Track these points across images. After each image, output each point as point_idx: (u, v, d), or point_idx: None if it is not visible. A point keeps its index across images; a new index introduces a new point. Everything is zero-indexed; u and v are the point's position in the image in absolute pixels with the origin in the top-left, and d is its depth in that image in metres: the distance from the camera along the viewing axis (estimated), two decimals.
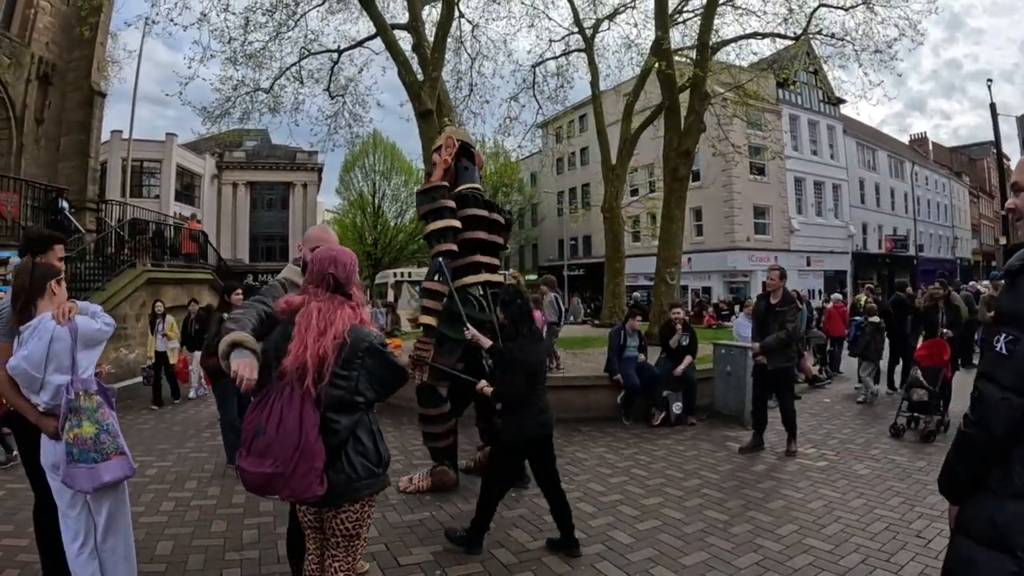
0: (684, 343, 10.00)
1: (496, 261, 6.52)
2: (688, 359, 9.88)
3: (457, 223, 6.02)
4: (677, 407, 9.59)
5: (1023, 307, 1.86)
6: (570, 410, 9.78)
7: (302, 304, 2.82)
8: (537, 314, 10.56)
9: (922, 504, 5.69)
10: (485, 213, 6.34)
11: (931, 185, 53.71)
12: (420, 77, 15.58)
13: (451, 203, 6.05)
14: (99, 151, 20.38)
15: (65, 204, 16.44)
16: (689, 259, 36.28)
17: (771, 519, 5.41)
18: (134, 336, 14.35)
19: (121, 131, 32.06)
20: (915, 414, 8.78)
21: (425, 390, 6.25)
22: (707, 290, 36.17)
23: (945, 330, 9.41)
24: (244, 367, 2.73)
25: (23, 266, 3.47)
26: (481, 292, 6.23)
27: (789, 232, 37.05)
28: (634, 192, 36.11)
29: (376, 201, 51.27)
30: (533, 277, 46.31)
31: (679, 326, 10.17)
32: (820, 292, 34.27)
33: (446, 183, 6.17)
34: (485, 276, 6.27)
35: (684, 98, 16.19)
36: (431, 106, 14.98)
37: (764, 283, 8.27)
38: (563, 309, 12.62)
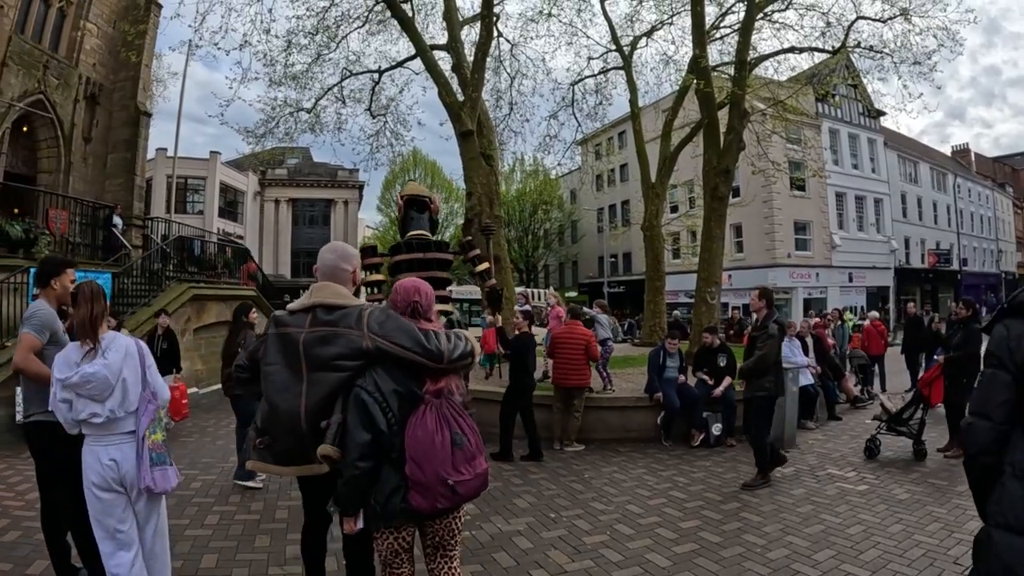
0: (722, 364, 9.95)
1: (440, 292, 7.31)
2: (727, 380, 9.81)
3: (379, 277, 7.82)
4: (717, 428, 9.53)
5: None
6: (609, 430, 9.81)
7: None
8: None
9: (961, 530, 5.57)
10: (420, 255, 7.55)
11: (974, 197, 52.70)
12: (460, 98, 15.67)
13: (375, 260, 8.01)
14: (145, 169, 20.83)
15: (119, 220, 16.87)
16: (730, 276, 35.88)
17: (808, 544, 5.35)
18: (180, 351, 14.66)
19: (166, 149, 32.98)
20: (879, 431, 8.71)
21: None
22: (747, 307, 35.69)
23: (936, 357, 9.09)
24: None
25: (90, 292, 3.71)
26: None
27: (831, 248, 36.54)
28: (674, 209, 35.93)
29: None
30: (573, 295, 46.37)
31: (714, 342, 10.21)
32: (862, 308, 33.68)
33: (371, 245, 8.63)
34: (442, 306, 7.27)
35: (723, 115, 16.11)
36: (471, 126, 15.06)
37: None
38: (615, 328, 12.69)
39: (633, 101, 21.68)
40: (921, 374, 11.15)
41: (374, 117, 20.42)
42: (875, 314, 17.09)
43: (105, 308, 3.74)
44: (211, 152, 41.95)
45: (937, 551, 5.14)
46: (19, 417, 8.78)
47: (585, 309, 12.81)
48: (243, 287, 19.46)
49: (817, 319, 14.63)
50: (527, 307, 13.54)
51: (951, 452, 8.57)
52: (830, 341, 13.73)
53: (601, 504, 6.52)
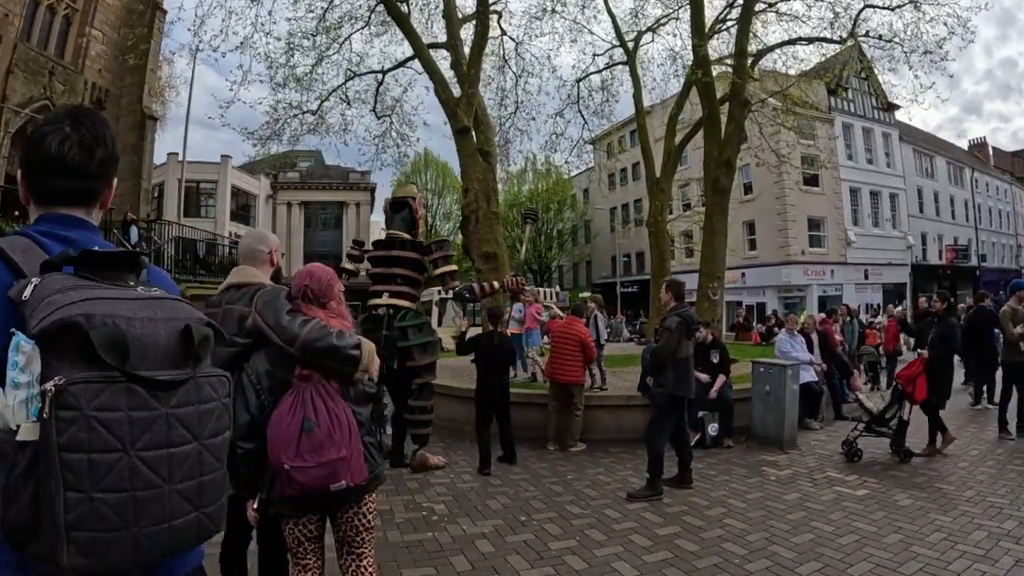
0: (715, 360, 9.63)
1: (397, 287, 7.91)
2: (721, 378, 9.49)
3: (348, 266, 8.45)
4: (713, 428, 9.21)
5: None
6: (601, 431, 9.54)
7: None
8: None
9: (965, 541, 5.14)
10: (383, 252, 8.11)
11: (992, 192, 51.62)
12: (457, 94, 15.58)
13: (352, 251, 8.58)
14: (151, 172, 20.95)
15: (134, 231, 16.88)
16: (743, 274, 35.51)
17: (794, 555, 4.95)
18: None
19: (177, 153, 32.99)
20: (862, 434, 8.22)
21: (431, 387, 8.08)
22: (761, 306, 35.19)
23: (920, 350, 8.63)
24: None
25: None
26: (383, 312, 7.73)
27: (845, 244, 35.93)
28: (687, 207, 35.54)
29: (429, 218, 51.69)
30: (587, 295, 45.96)
31: (707, 337, 9.84)
32: (879, 306, 33.05)
33: (355, 240, 9.18)
34: (386, 300, 7.79)
35: (726, 109, 15.83)
36: (468, 123, 14.94)
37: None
38: (606, 326, 12.45)
39: (637, 96, 21.41)
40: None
41: (379, 118, 20.42)
42: (900, 309, 16.64)
43: None
44: (222, 156, 42.03)
45: (936, 565, 4.70)
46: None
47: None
48: None
49: (823, 315, 14.27)
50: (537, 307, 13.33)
51: (923, 451, 8.27)
52: (837, 337, 13.35)
53: (578, 508, 6.24)
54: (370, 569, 3.04)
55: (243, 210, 44.67)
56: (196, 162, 38.33)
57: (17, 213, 15.32)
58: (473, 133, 15.38)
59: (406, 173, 47.28)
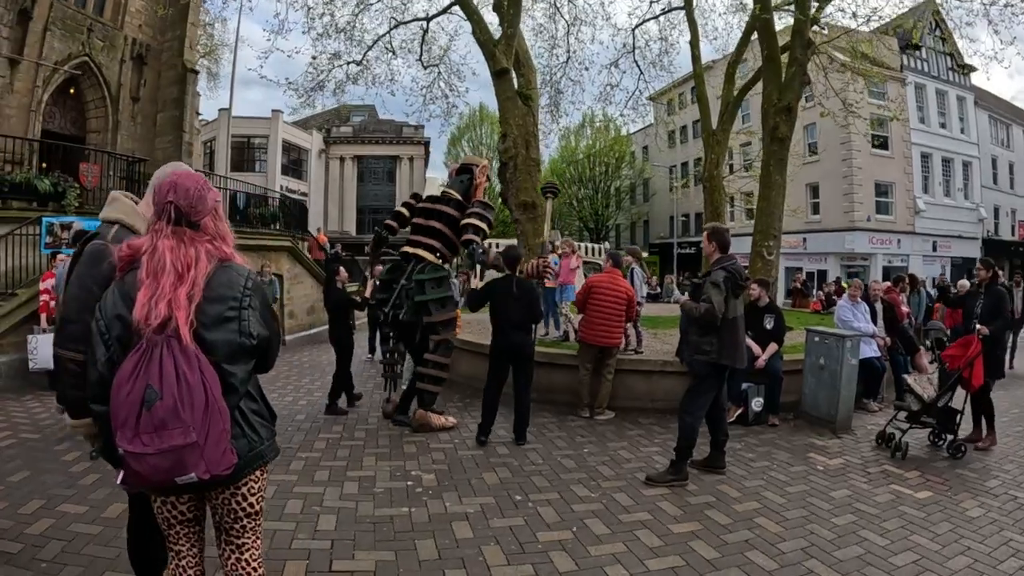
0: (768, 327, 8.64)
1: (426, 239, 7.79)
2: (772, 347, 8.49)
3: (401, 210, 8.37)
4: (757, 403, 8.22)
5: None
6: (632, 398, 8.72)
7: (146, 246, 2.21)
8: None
9: None
10: (428, 204, 8.12)
11: None
12: (498, 36, 14.89)
13: (410, 200, 8.43)
14: (193, 126, 21.04)
15: None
16: (804, 239, 34.01)
17: None
18: None
19: (229, 109, 33.23)
20: (912, 426, 7.03)
21: (449, 343, 7.60)
22: (823, 273, 33.46)
23: (980, 326, 7.42)
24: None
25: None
26: (413, 264, 7.61)
27: (914, 213, 33.67)
28: (748, 166, 33.99)
29: (490, 184, 51.19)
30: (643, 256, 44.92)
31: (762, 297, 8.87)
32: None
33: (414, 192, 9.00)
34: (419, 251, 7.68)
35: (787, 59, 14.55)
36: (507, 64, 14.23)
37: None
38: (644, 282, 11.56)
39: (694, 43, 20.11)
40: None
41: (426, 68, 19.94)
42: (965, 283, 15.28)
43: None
44: (273, 111, 42.30)
45: None
46: (33, 365, 8.90)
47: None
48: (277, 236, 19.64)
49: (888, 283, 12.97)
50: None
51: (983, 443, 7.27)
52: (904, 309, 12.11)
53: (586, 489, 5.41)
54: (254, 564, 2.46)
55: (295, 164, 45.00)
56: (246, 117, 38.98)
57: (44, 165, 15.31)
58: (513, 75, 14.73)
59: (459, 126, 46.93)
